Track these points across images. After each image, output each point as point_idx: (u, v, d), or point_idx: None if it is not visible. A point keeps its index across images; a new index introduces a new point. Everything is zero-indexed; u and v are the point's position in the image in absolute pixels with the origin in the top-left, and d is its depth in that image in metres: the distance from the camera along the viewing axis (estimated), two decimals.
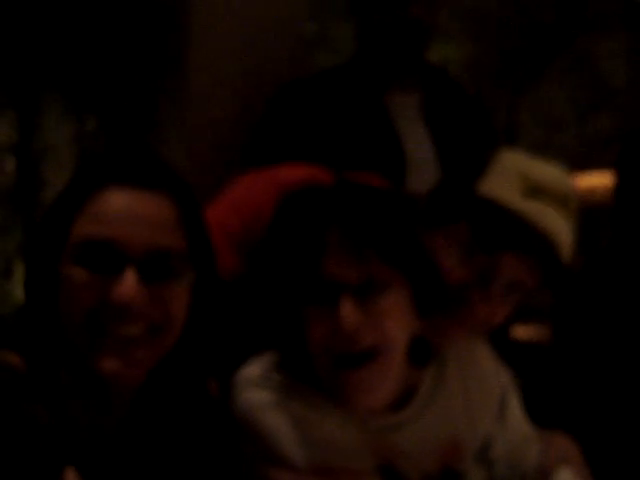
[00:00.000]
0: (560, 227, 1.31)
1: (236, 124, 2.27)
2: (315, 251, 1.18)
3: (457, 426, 1.32)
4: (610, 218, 1.97)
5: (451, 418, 1.32)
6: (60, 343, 1.01)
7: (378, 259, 1.18)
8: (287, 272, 1.20)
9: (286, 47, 2.35)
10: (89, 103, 6.26)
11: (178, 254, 1.03)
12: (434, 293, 1.28)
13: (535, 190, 1.34)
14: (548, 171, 1.37)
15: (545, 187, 1.34)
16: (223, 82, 2.27)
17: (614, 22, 7.16)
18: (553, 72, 6.55)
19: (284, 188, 1.42)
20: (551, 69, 6.65)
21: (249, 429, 1.22)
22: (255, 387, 1.26)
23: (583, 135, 9.27)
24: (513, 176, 1.34)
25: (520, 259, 1.30)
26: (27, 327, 1.03)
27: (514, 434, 1.38)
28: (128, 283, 0.98)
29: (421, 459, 1.28)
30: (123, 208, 1.01)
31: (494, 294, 1.31)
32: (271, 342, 1.31)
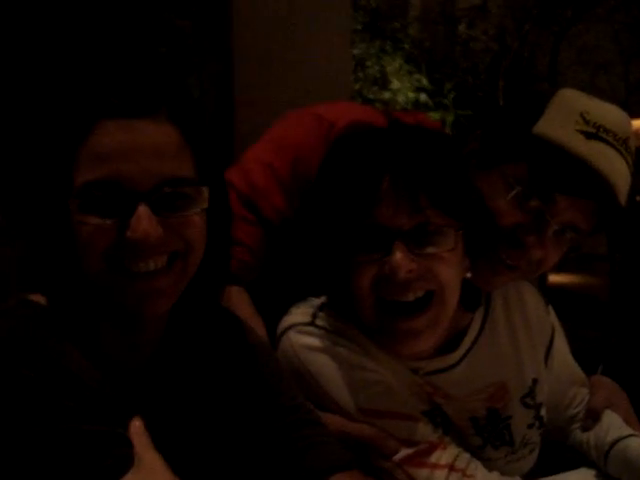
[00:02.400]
0: (619, 170, 1.26)
1: None
2: (368, 197, 1.15)
3: (504, 369, 1.31)
4: None
5: (498, 361, 1.31)
6: (82, 285, 1.01)
7: (431, 205, 1.16)
8: (338, 217, 1.18)
9: None
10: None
11: (187, 180, 0.99)
12: (487, 238, 1.25)
13: (596, 131, 1.28)
14: (609, 112, 1.30)
15: (606, 128, 1.27)
16: None
17: None
18: (598, 13, 6.36)
19: (332, 128, 1.40)
20: (596, 10, 6.47)
21: (297, 373, 1.22)
22: (303, 331, 1.25)
23: (628, 78, 9.09)
24: (574, 116, 1.28)
25: (576, 203, 1.27)
26: (45, 274, 1.02)
27: (561, 377, 1.37)
28: (142, 220, 0.95)
29: (468, 401, 1.27)
30: (123, 143, 0.95)
31: (548, 238, 1.28)
32: (318, 287, 1.31)
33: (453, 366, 1.27)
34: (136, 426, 0.93)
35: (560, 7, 6.21)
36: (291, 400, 1.14)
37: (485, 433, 1.30)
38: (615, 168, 1.25)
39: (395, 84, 4.98)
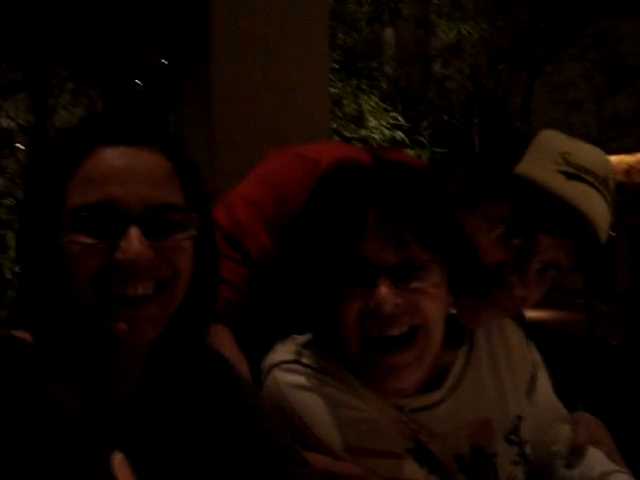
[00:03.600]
0: (599, 209, 1.28)
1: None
2: (354, 232, 1.16)
3: (488, 406, 1.31)
4: None
5: (482, 398, 1.31)
6: (67, 314, 1.00)
7: (416, 241, 1.17)
8: (324, 251, 1.19)
9: None
10: (101, 84, 6.24)
11: (178, 206, 1.01)
12: (471, 275, 1.26)
13: (577, 172, 1.30)
14: (589, 152, 1.32)
15: (586, 169, 1.30)
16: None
17: (634, 1, 7.09)
18: (571, 52, 6.48)
19: (316, 167, 1.41)
20: (569, 49, 6.58)
21: (283, 411, 1.21)
22: (288, 369, 1.25)
23: (600, 115, 9.23)
24: (554, 156, 1.30)
25: (558, 241, 1.28)
26: (31, 302, 1.01)
27: (544, 413, 1.37)
28: (133, 241, 0.96)
29: (452, 439, 1.27)
30: (116, 167, 0.98)
31: (530, 276, 1.29)
32: (302, 324, 1.30)
33: (437, 404, 1.27)
34: (117, 459, 0.92)
35: (533, 47, 6.31)
36: (276, 439, 1.13)
37: (470, 471, 1.30)
38: (595, 207, 1.27)
39: (372, 122, 5.03)
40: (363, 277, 1.16)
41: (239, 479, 1.07)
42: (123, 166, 0.99)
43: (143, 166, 1.01)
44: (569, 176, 1.27)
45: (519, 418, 1.34)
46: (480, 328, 1.36)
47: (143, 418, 1.02)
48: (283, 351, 1.27)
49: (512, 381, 1.36)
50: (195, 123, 2.61)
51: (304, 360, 1.24)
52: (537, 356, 1.40)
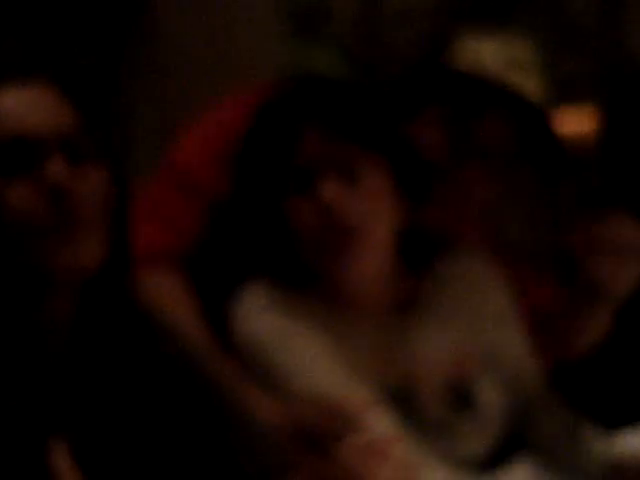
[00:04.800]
0: (531, 88, 1.40)
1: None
2: (292, 142, 1.22)
3: (461, 336, 1.33)
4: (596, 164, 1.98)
5: (454, 328, 1.33)
6: None
7: (353, 142, 1.23)
8: (267, 169, 1.24)
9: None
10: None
11: (88, 138, 1.00)
12: (418, 173, 1.33)
13: (509, 61, 1.43)
14: (515, 43, 1.46)
15: (517, 57, 1.43)
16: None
17: None
18: (521, 14, 6.48)
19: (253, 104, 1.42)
20: (519, 11, 6.58)
21: (259, 360, 1.21)
22: (259, 316, 1.24)
23: (552, 79, 9.27)
24: (479, 49, 1.44)
25: (499, 120, 1.39)
26: None
27: (519, 351, 1.40)
28: (57, 164, 0.95)
29: (428, 373, 1.29)
30: (12, 104, 0.97)
31: (482, 157, 1.38)
32: (263, 262, 1.32)
33: (408, 329, 1.29)
34: (57, 449, 0.89)
35: (481, 8, 6.30)
36: None
37: (447, 403, 1.31)
38: (527, 86, 1.37)
39: None
40: (304, 183, 1.23)
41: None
42: (17, 102, 0.98)
43: (37, 97, 1.00)
44: (500, 65, 1.43)
45: (495, 352, 1.37)
46: (449, 257, 1.41)
47: (76, 385, 1.00)
48: (250, 295, 1.28)
49: (484, 311, 1.40)
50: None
51: (271, 302, 1.26)
52: (508, 292, 1.43)
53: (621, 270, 1.35)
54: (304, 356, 1.26)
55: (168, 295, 1.34)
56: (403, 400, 1.29)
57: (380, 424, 1.24)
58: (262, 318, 1.28)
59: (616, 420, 1.50)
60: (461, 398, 1.33)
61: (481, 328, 1.41)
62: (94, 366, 1.06)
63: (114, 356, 1.08)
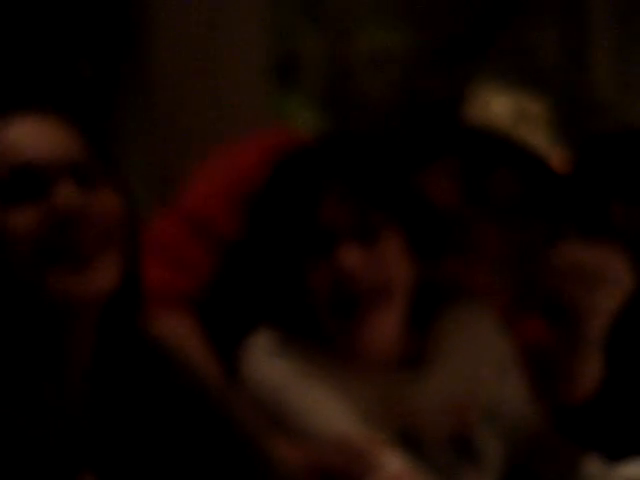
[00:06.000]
0: (545, 143, 1.40)
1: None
2: (311, 202, 1.22)
3: (463, 387, 1.34)
4: None
5: (457, 379, 1.33)
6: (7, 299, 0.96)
7: (372, 206, 1.23)
8: (284, 225, 1.23)
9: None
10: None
11: (97, 164, 1.00)
12: (433, 232, 1.33)
13: (514, 112, 1.43)
14: (524, 97, 1.46)
15: (523, 108, 1.43)
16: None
17: (549, 8, 7.26)
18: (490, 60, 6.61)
19: (272, 149, 1.43)
20: (488, 57, 6.72)
21: (268, 406, 1.20)
22: (268, 362, 1.23)
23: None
24: (491, 103, 1.43)
25: (511, 176, 1.38)
26: None
27: (519, 404, 1.40)
28: (65, 188, 0.94)
29: (432, 424, 1.29)
30: (19, 134, 0.98)
31: (494, 213, 1.38)
32: (272, 309, 1.31)
33: (413, 381, 1.29)
34: None
35: (452, 57, 6.42)
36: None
37: (454, 451, 1.31)
38: (540, 140, 1.38)
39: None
40: (324, 246, 1.22)
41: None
42: (24, 132, 0.98)
43: (44, 128, 0.99)
44: (510, 117, 1.41)
45: (496, 402, 1.36)
46: (451, 309, 1.40)
47: (97, 427, 1.00)
48: (260, 342, 1.27)
49: (486, 362, 1.39)
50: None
51: (282, 349, 1.25)
52: (508, 345, 1.43)
53: (589, 295, 1.36)
54: (319, 399, 1.25)
55: (181, 336, 1.33)
56: (410, 448, 1.30)
57: (396, 462, 1.24)
58: (275, 362, 1.27)
59: (617, 454, 1.50)
60: (463, 447, 1.35)
61: (483, 378, 1.42)
62: (114, 400, 1.05)
63: (133, 390, 1.07)
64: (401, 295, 1.28)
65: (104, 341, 1.06)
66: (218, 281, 1.45)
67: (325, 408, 1.27)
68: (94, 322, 1.03)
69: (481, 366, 1.45)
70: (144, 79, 2.46)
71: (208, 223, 1.47)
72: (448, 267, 1.42)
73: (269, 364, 1.30)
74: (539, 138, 1.42)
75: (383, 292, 1.25)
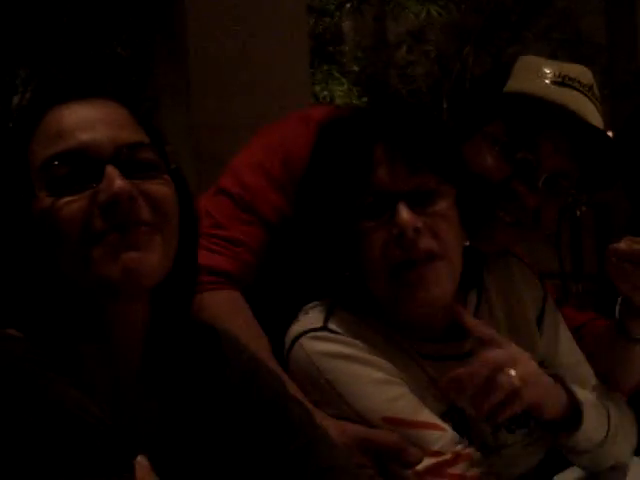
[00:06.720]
0: (589, 108, 1.39)
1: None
2: (365, 165, 1.20)
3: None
4: None
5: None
6: (54, 292, 0.94)
7: (425, 167, 1.20)
8: (339, 192, 1.21)
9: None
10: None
11: (147, 144, 0.98)
12: (480, 199, 1.32)
13: (563, 80, 1.37)
14: (570, 66, 1.42)
15: (571, 77, 1.38)
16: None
17: None
18: (535, 32, 6.50)
19: (317, 123, 1.40)
20: (532, 30, 6.61)
21: (316, 381, 1.18)
22: (317, 337, 1.22)
23: None
24: (540, 71, 1.38)
25: (559, 146, 1.37)
26: (14, 288, 0.95)
27: (551, 345, 1.38)
28: (113, 178, 0.92)
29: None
30: (76, 118, 0.97)
31: (540, 186, 1.37)
32: (324, 283, 1.29)
33: (467, 354, 1.26)
34: (143, 466, 0.87)
35: (497, 28, 6.32)
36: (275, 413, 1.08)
37: (501, 426, 1.28)
38: (584, 106, 1.36)
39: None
40: (380, 208, 1.19)
41: (251, 461, 1.03)
42: (83, 116, 0.99)
43: (102, 113, 1.00)
44: (558, 84, 1.36)
45: (541, 358, 1.34)
46: (489, 271, 1.38)
47: (147, 406, 0.98)
48: (308, 318, 1.26)
49: (524, 318, 1.38)
50: (173, 111, 2.56)
51: (332, 326, 1.24)
52: (543, 291, 1.41)
53: None
54: (368, 380, 1.23)
55: (229, 314, 1.32)
56: (458, 424, 1.27)
57: (446, 444, 1.22)
58: (324, 341, 1.25)
59: None
60: (516, 419, 1.31)
61: (525, 336, 1.39)
62: (167, 383, 1.04)
63: (185, 372, 1.06)
64: (455, 259, 1.25)
65: (157, 325, 1.05)
66: (266, 259, 1.43)
67: (375, 391, 1.25)
68: (147, 306, 1.02)
69: (521, 322, 1.41)
70: (179, 55, 2.44)
71: (251, 203, 1.45)
72: (495, 236, 1.39)
73: (318, 341, 1.27)
74: (585, 105, 1.39)
75: (439, 255, 1.22)
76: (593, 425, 1.28)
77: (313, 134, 1.40)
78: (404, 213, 1.17)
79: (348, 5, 6.16)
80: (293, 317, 1.28)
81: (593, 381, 1.40)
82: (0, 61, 5.67)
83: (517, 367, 1.12)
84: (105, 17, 4.82)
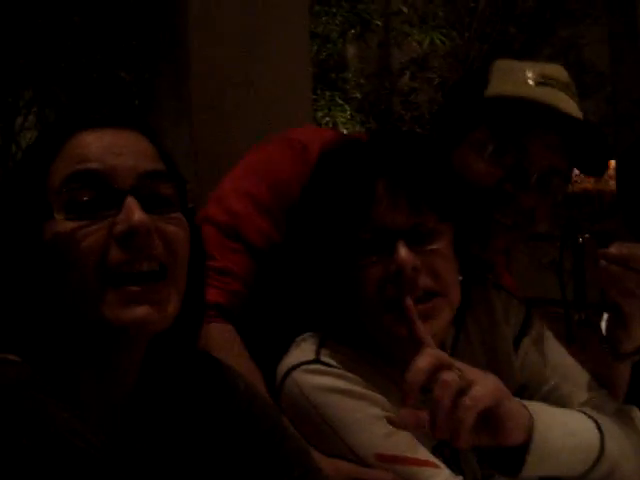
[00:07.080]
0: (570, 104, 1.38)
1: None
2: (365, 199, 1.17)
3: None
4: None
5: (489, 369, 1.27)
6: (58, 317, 0.93)
7: (426, 206, 1.18)
8: (336, 224, 1.18)
9: None
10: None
11: (168, 178, 0.96)
12: (477, 237, 1.30)
13: (542, 79, 1.39)
14: (546, 65, 1.44)
15: (548, 76, 1.39)
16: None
17: (595, 8, 7.18)
18: (544, 54, 6.55)
19: (305, 149, 1.39)
20: (536, 57, 6.64)
21: (308, 416, 1.15)
22: (309, 371, 1.19)
23: None
24: (517, 73, 1.39)
25: (545, 142, 1.37)
26: (18, 308, 0.93)
27: (557, 371, 1.35)
28: (133, 210, 0.91)
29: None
30: (100, 144, 0.95)
31: (533, 185, 1.36)
32: (314, 315, 1.26)
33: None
34: None
35: (500, 57, 6.35)
36: (279, 445, 1.06)
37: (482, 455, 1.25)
38: (570, 105, 1.38)
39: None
40: (380, 244, 1.17)
41: None
42: (108, 142, 0.98)
43: (128, 142, 0.99)
44: (538, 84, 1.38)
45: (523, 387, 1.33)
46: (467, 299, 1.35)
47: (136, 429, 0.95)
48: (300, 351, 1.23)
49: (505, 352, 1.35)
50: (174, 136, 2.56)
51: (324, 359, 1.20)
52: (525, 313, 1.39)
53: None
54: (362, 415, 1.20)
55: (222, 347, 1.29)
56: (448, 458, 1.25)
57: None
58: (317, 374, 1.22)
59: None
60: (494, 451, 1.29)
61: (503, 364, 1.37)
62: (163, 407, 1.03)
63: (182, 397, 1.05)
64: (453, 296, 1.24)
65: (156, 356, 1.04)
66: (257, 287, 1.41)
67: (369, 425, 1.22)
68: (146, 341, 1.01)
69: (502, 355, 1.39)
70: (182, 80, 2.45)
71: (238, 228, 1.43)
72: (494, 242, 1.39)
73: (311, 375, 1.25)
74: (567, 102, 1.40)
75: (438, 293, 1.21)
76: (564, 457, 1.22)
77: (299, 155, 1.39)
78: (403, 252, 1.16)
79: (352, 32, 6.23)
80: (285, 349, 1.26)
81: (594, 394, 1.38)
82: (4, 83, 5.71)
83: (454, 369, 1.08)
84: (109, 41, 4.86)
